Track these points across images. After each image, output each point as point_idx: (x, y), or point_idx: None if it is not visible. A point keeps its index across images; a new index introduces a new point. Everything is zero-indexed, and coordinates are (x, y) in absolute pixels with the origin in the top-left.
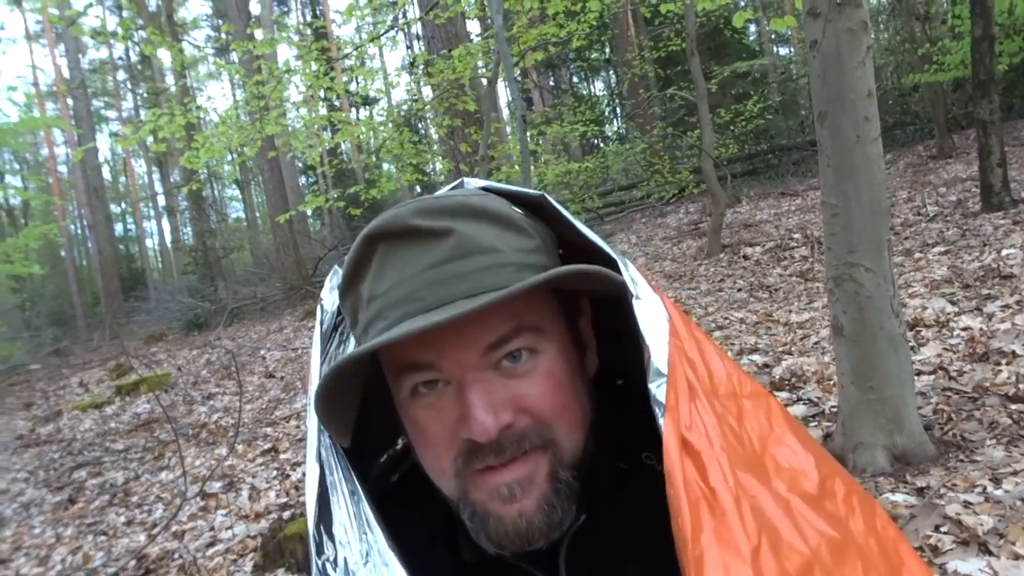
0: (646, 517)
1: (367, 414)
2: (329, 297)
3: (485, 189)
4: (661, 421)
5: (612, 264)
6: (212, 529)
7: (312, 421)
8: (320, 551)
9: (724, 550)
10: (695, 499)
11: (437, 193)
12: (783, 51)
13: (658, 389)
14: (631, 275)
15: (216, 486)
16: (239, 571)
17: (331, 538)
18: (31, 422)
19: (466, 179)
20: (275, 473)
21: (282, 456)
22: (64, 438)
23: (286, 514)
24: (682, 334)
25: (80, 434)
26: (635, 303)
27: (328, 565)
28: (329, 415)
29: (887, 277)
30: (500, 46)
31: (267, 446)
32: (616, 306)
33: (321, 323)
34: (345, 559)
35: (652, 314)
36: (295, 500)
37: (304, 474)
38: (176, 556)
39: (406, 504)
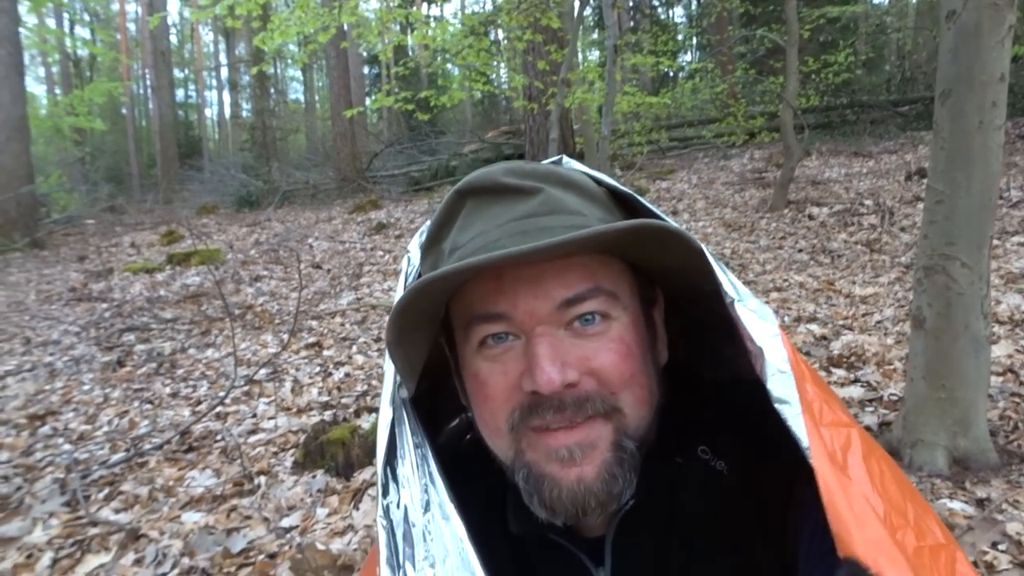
0: (696, 511)
1: (439, 381)
2: (416, 250)
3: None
4: (789, 421)
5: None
6: (254, 416)
7: (389, 366)
8: (385, 492)
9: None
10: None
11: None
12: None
13: (778, 386)
14: (731, 280)
15: (260, 373)
16: (279, 464)
17: (395, 481)
18: (84, 276)
19: (566, 158)
20: (318, 369)
21: (325, 353)
22: (115, 298)
23: (327, 414)
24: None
25: (131, 296)
26: (737, 306)
27: (392, 507)
28: (399, 345)
29: (983, 275)
30: None
31: (312, 340)
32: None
33: (407, 274)
34: (406, 505)
35: (759, 316)
36: (337, 400)
37: (347, 375)
38: (219, 438)
39: (467, 473)
